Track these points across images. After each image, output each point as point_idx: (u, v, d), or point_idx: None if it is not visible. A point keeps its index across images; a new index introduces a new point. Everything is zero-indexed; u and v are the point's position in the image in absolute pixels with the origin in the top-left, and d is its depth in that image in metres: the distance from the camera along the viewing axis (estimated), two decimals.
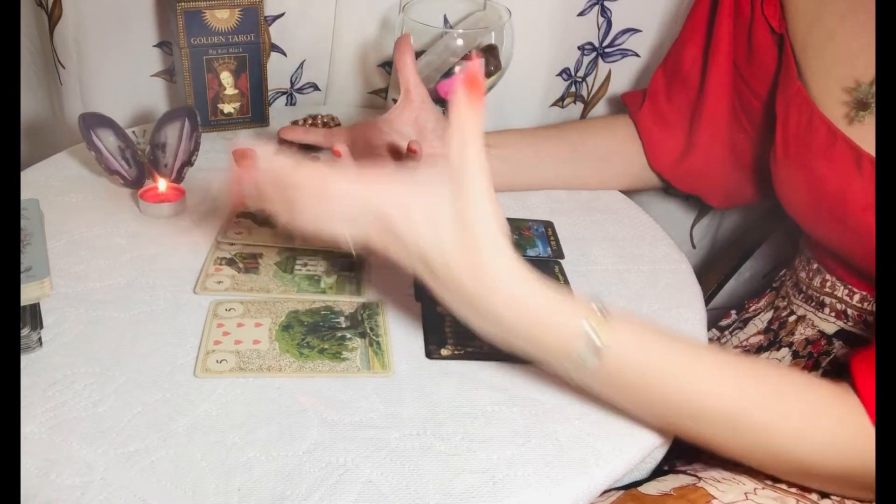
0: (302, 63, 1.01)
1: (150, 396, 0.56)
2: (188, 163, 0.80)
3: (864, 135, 0.62)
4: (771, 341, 0.76)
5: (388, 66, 0.99)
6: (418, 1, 0.87)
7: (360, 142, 0.77)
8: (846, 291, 0.70)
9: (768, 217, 0.95)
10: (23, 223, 0.68)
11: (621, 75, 0.98)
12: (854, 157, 0.62)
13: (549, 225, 0.80)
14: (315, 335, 0.62)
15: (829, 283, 0.71)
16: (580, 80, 1.00)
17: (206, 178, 0.83)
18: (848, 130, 0.62)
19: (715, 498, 0.56)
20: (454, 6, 0.90)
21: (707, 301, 0.87)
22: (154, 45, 0.97)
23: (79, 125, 0.77)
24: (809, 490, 0.58)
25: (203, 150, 0.81)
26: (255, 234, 0.74)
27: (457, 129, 0.51)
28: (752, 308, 0.82)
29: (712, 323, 0.83)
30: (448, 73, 0.86)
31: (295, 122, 0.93)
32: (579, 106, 1.02)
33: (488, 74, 0.87)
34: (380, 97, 1.04)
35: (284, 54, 1.00)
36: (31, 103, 1.04)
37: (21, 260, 0.62)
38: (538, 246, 0.77)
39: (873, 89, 0.62)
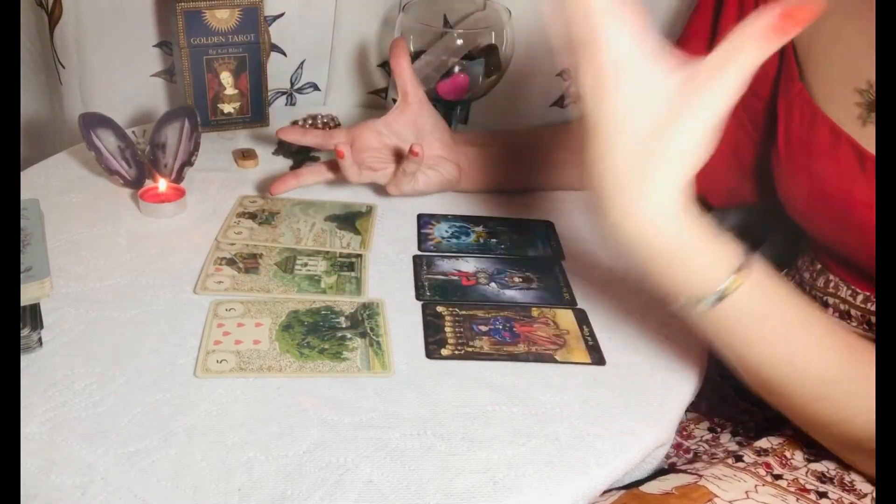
0: (302, 63, 1.01)
1: (151, 396, 0.56)
2: (188, 163, 0.80)
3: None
4: None
5: (388, 66, 0.99)
6: (418, 1, 0.87)
7: (358, 144, 0.77)
8: (849, 292, 0.70)
9: (768, 217, 0.95)
10: (23, 223, 0.68)
11: None
12: (857, 157, 0.62)
13: (549, 225, 0.80)
14: (315, 335, 0.62)
15: (832, 284, 0.71)
16: None
17: (205, 178, 0.83)
18: (862, 132, 0.62)
19: (716, 496, 0.56)
20: (454, 6, 0.91)
21: None
22: (154, 45, 0.97)
23: (79, 125, 0.77)
24: (808, 490, 0.58)
25: (203, 150, 0.81)
26: (255, 234, 0.74)
27: (730, 48, 0.45)
28: None
29: None
30: (448, 73, 0.87)
31: (295, 122, 0.93)
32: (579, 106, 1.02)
33: (488, 74, 0.87)
34: (380, 97, 1.04)
35: (284, 54, 1.00)
36: (31, 103, 1.04)
37: (21, 260, 0.62)
38: (538, 246, 0.77)
39: None
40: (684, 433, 0.73)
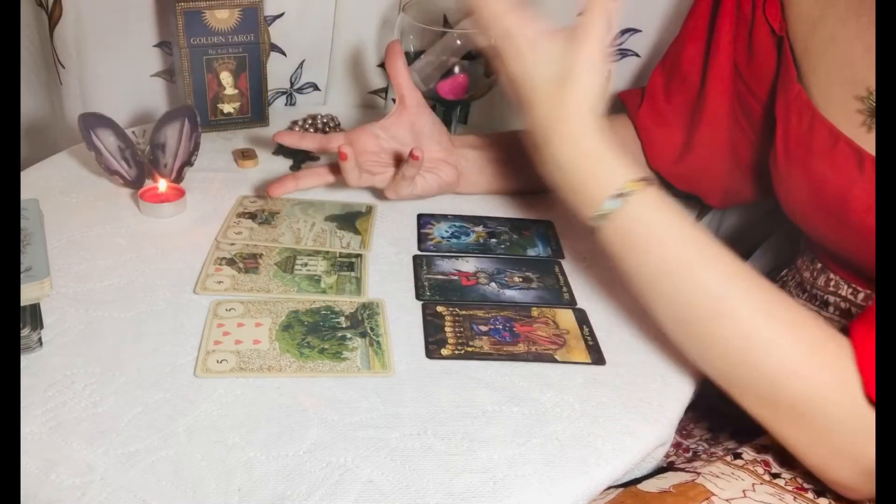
0: (302, 63, 1.02)
1: (151, 396, 0.56)
2: (188, 163, 0.80)
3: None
4: None
5: None
6: (418, 1, 0.88)
7: (355, 148, 0.77)
8: (850, 290, 0.70)
9: (768, 217, 0.95)
10: (23, 223, 0.68)
11: (621, 75, 0.98)
12: (856, 158, 0.62)
13: (549, 225, 0.80)
14: (315, 335, 0.62)
15: (833, 283, 0.71)
16: None
17: (205, 178, 0.83)
18: (867, 138, 0.62)
19: (714, 494, 0.56)
20: (454, 6, 0.91)
21: None
22: (154, 45, 0.97)
23: (79, 125, 0.77)
24: (806, 489, 0.58)
25: (203, 150, 0.81)
26: (255, 234, 0.74)
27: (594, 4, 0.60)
28: None
29: None
30: (448, 73, 0.87)
31: (294, 122, 0.93)
32: None
33: (487, 75, 0.87)
34: (379, 97, 1.04)
35: (284, 54, 1.00)
36: (31, 103, 1.04)
37: (21, 260, 0.62)
38: (538, 246, 0.77)
39: None
40: (684, 432, 0.73)
